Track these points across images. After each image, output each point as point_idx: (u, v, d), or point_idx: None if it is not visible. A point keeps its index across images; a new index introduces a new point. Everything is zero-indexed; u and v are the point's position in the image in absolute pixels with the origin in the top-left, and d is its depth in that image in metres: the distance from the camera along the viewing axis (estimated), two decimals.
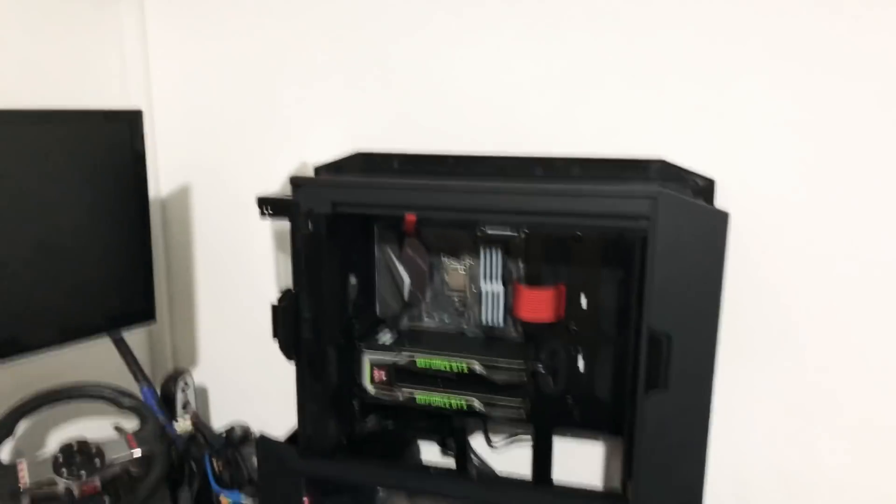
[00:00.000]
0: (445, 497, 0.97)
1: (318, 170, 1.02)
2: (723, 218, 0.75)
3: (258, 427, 1.15)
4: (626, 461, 0.94)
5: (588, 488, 1.14)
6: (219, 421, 1.37)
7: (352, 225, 1.00)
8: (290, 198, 0.89)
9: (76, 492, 1.01)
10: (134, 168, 1.09)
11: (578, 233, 0.98)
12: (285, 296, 0.92)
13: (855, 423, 1.02)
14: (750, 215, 1.00)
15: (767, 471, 1.07)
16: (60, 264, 1.04)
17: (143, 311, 1.14)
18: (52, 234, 1.03)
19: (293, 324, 0.92)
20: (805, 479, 1.06)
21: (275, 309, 0.92)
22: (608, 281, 0.99)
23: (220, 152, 1.29)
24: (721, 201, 0.86)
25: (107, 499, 1.00)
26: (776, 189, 0.99)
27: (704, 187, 0.88)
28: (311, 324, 0.91)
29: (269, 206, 0.93)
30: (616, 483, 1.14)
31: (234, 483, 1.17)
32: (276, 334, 0.93)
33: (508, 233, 1.00)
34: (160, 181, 1.32)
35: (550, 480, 1.11)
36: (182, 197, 1.33)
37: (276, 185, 1.11)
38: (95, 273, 1.08)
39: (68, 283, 1.06)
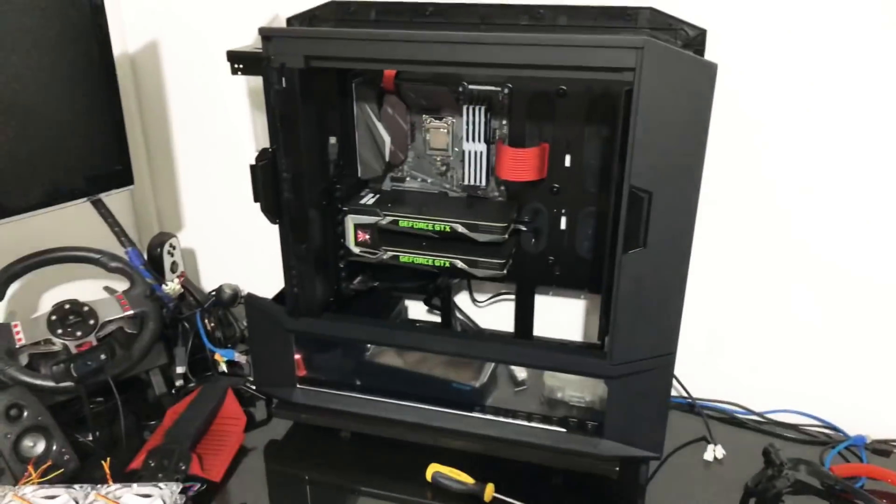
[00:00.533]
0: (431, 351, 1.01)
1: (290, 21, 0.96)
2: (710, 69, 0.71)
3: (249, 288, 1.17)
4: (604, 316, 0.96)
5: (568, 341, 1.19)
6: (209, 283, 1.39)
7: (328, 82, 0.96)
8: (261, 52, 0.84)
9: (73, 349, 1.04)
10: (94, 21, 1.03)
11: (562, 87, 0.94)
12: (263, 154, 0.90)
13: (826, 278, 1.05)
14: (740, 66, 0.96)
15: (738, 322, 1.11)
16: (29, 127, 1.01)
17: (120, 174, 1.12)
18: (16, 96, 0.99)
19: (273, 184, 0.91)
20: (772, 329, 1.10)
21: (253, 168, 0.90)
22: (592, 139, 0.97)
23: (191, 5, 1.21)
24: (712, 53, 0.82)
25: (103, 356, 1.03)
26: (768, 40, 0.95)
27: (695, 37, 0.83)
28: (291, 183, 0.90)
29: (239, 61, 0.89)
30: (595, 338, 1.18)
31: (227, 341, 1.21)
32: (257, 197, 0.92)
33: (492, 88, 0.97)
34: (127, 36, 1.25)
35: (531, 335, 1.15)
36: (152, 54, 1.26)
37: (250, 40, 1.05)
38: (67, 136, 1.06)
39: (40, 146, 1.03)
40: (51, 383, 1.00)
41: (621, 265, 0.80)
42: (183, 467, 0.92)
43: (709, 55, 0.82)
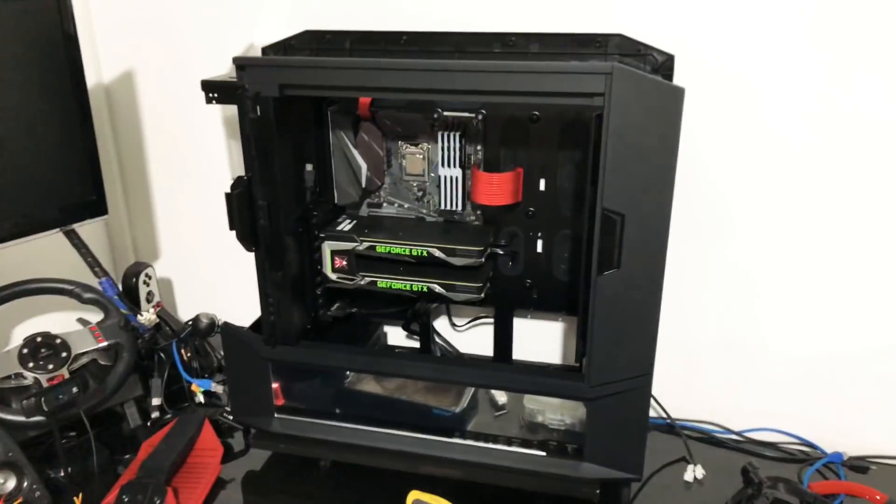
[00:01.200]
0: (410, 377, 1.01)
1: (265, 50, 0.97)
2: (678, 93, 0.73)
3: (226, 317, 1.16)
4: (581, 338, 0.97)
5: (546, 364, 1.19)
6: (186, 313, 1.38)
7: (303, 110, 0.97)
8: (235, 81, 0.85)
9: (44, 383, 1.02)
10: (67, 52, 1.03)
11: (535, 112, 0.96)
12: (238, 182, 0.90)
13: (801, 296, 1.06)
14: (709, 91, 0.98)
15: (715, 342, 1.12)
16: (1, 158, 1.00)
17: (94, 204, 1.11)
18: None
19: (249, 212, 0.91)
20: (750, 348, 1.11)
21: (228, 196, 0.90)
22: (566, 163, 0.98)
23: (166, 35, 1.22)
24: (680, 77, 0.84)
25: (76, 389, 1.01)
26: (736, 65, 0.98)
27: (664, 63, 0.85)
28: (266, 211, 0.90)
29: (214, 90, 0.90)
30: (574, 360, 1.19)
31: (204, 371, 1.20)
32: (232, 226, 0.92)
33: (466, 114, 0.98)
34: (101, 66, 1.25)
35: (510, 358, 1.15)
36: (127, 84, 1.26)
37: (226, 70, 1.06)
38: (40, 166, 1.05)
39: (12, 177, 1.02)
40: (21, 418, 0.98)
41: (596, 287, 0.81)
42: (158, 502, 0.90)
43: (677, 80, 0.84)
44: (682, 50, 0.86)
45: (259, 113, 0.85)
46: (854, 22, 0.92)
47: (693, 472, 1.01)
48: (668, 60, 0.86)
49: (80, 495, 0.91)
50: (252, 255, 0.94)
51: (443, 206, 1.02)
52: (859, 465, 1.02)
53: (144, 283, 1.21)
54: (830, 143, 0.98)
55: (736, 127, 1.01)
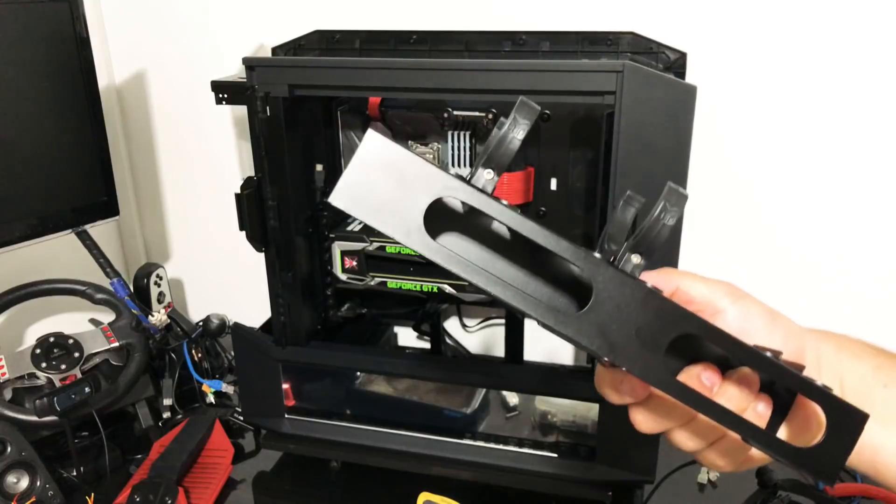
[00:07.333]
0: (421, 378, 1.00)
1: (275, 50, 0.97)
2: (690, 91, 0.72)
3: (236, 317, 1.16)
4: None
5: (558, 365, 1.19)
6: (197, 313, 1.38)
7: (313, 110, 0.96)
8: (245, 81, 0.85)
9: (57, 383, 1.03)
10: (79, 54, 1.03)
11: (546, 111, 0.95)
12: (248, 183, 0.90)
13: (812, 292, 1.05)
14: (721, 89, 0.97)
15: None
16: (14, 159, 1.01)
17: (105, 205, 1.12)
18: (1, 128, 0.98)
19: (259, 212, 0.91)
20: None
21: (238, 197, 0.90)
22: (577, 162, 0.97)
23: (176, 36, 1.22)
24: (693, 76, 0.84)
25: (88, 389, 1.01)
26: (748, 63, 0.97)
27: (676, 60, 0.84)
28: (276, 211, 0.90)
29: (223, 90, 0.90)
30: (585, 361, 1.18)
31: (215, 372, 1.20)
32: (242, 226, 0.92)
33: (476, 113, 0.98)
34: (113, 68, 1.26)
35: (522, 359, 1.14)
36: (138, 85, 1.27)
37: (236, 70, 1.06)
38: (52, 167, 1.05)
39: (25, 178, 1.03)
40: (34, 418, 0.98)
41: None
42: (169, 501, 0.90)
43: (690, 78, 0.83)
44: (694, 47, 0.85)
45: (269, 113, 0.85)
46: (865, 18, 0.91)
47: (707, 475, 0.99)
48: (681, 58, 0.85)
49: (93, 495, 0.91)
50: (262, 255, 0.94)
51: None
52: None
53: (155, 283, 1.22)
54: (849, 139, 0.97)
55: (750, 125, 0.99)
